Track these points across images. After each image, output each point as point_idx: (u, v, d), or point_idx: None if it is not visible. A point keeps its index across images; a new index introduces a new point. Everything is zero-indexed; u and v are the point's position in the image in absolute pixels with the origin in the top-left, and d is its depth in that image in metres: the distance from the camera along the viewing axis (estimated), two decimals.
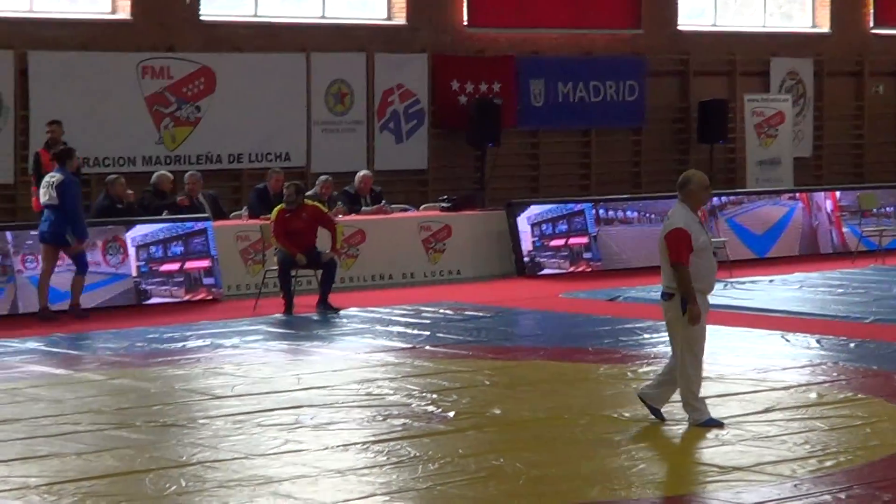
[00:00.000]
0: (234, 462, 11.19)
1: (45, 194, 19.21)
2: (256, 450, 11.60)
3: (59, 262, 19.22)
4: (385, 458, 11.34)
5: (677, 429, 12.26)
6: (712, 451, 11.61)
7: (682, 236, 11.96)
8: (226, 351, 16.50)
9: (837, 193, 27.11)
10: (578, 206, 24.18)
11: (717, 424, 12.16)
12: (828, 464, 11.02)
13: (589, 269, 23.68)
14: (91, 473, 10.85)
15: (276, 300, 19.46)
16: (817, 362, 15.36)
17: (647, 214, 24.67)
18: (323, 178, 22.26)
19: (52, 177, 19.12)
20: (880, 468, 10.90)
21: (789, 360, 15.45)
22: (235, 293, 20.76)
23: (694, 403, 12.23)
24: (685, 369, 12.26)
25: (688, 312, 11.94)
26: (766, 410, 12.71)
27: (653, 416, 12.43)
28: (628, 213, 24.54)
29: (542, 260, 23.52)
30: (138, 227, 20.56)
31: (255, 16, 25.01)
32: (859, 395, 13.61)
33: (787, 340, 16.59)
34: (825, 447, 11.56)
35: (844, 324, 18.12)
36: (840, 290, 21.23)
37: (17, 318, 19.13)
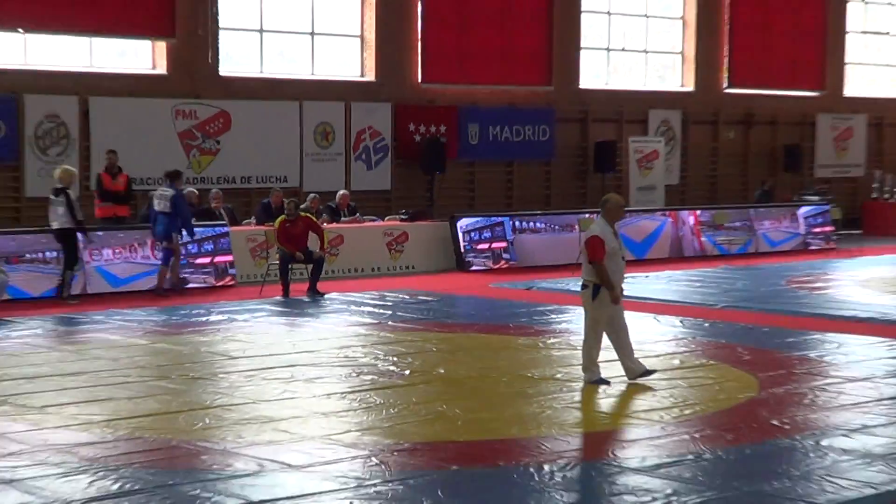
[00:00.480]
0: (246, 406, 11.26)
1: (159, 204, 19.39)
2: (262, 397, 11.66)
3: (118, 251, 19.38)
4: (358, 404, 11.44)
5: (576, 385, 12.33)
6: (602, 401, 11.75)
7: (596, 242, 12.04)
8: (239, 323, 16.48)
9: (698, 212, 27.28)
10: (500, 219, 24.18)
11: (605, 382, 12.23)
12: (687, 412, 11.14)
13: (507, 266, 23.73)
14: (139, 413, 10.95)
15: (277, 287, 19.42)
16: (680, 337, 15.46)
17: (553, 226, 24.69)
18: (312, 195, 22.31)
19: (165, 191, 19.34)
20: (726, 415, 11.02)
21: (659, 335, 15.47)
22: (246, 281, 20.78)
23: (591, 367, 12.32)
24: (589, 341, 12.33)
25: (610, 296, 12.06)
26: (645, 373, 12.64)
27: (646, 376, 12.34)
28: (538, 224, 24.57)
29: (472, 259, 23.53)
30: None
31: (261, 72, 24.92)
32: (711, 362, 13.71)
33: (658, 321, 16.63)
34: (685, 400, 11.68)
35: (700, 308, 18.19)
36: (698, 284, 21.31)
37: (86, 296, 19.09)
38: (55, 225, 18.55)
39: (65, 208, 18.38)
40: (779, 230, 28.32)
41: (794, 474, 9.04)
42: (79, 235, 18.66)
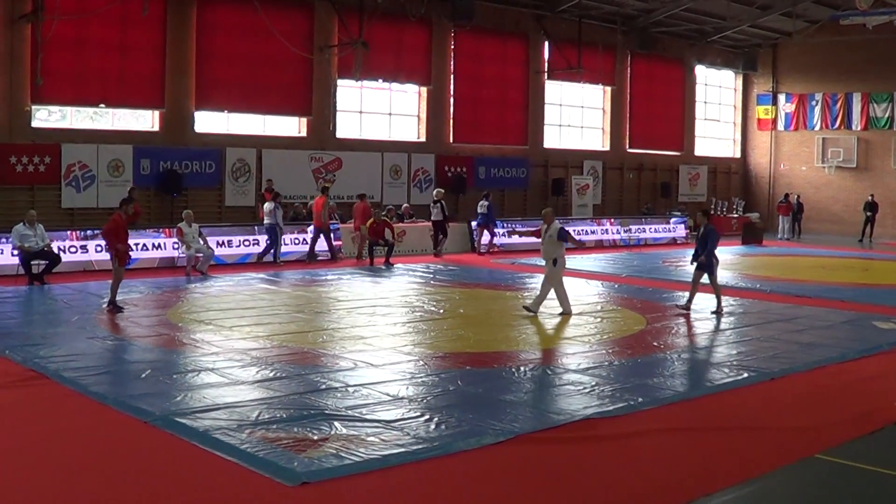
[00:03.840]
0: (347, 328, 11.18)
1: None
2: (356, 323, 11.58)
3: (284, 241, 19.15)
4: (412, 328, 11.35)
5: (544, 317, 12.20)
6: (554, 330, 11.58)
7: (562, 231, 12.37)
8: (343, 281, 16.43)
9: (612, 219, 26.97)
10: (497, 222, 23.88)
11: (533, 314, 12.21)
12: (604, 337, 11.02)
13: (500, 251, 23.30)
14: (286, 332, 10.86)
15: (366, 262, 19.37)
16: (600, 293, 15.30)
17: (527, 227, 24.44)
18: (388, 206, 22.15)
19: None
20: (627, 339, 10.87)
21: (588, 292, 15.34)
22: (348, 256, 20.64)
23: (538, 304, 12.37)
24: (544, 293, 12.33)
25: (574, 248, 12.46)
26: (579, 314, 12.61)
27: (529, 313, 12.39)
28: (517, 226, 24.13)
29: (477, 246, 23.22)
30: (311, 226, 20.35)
31: (360, 135, 24.66)
32: (618, 308, 13.55)
33: (588, 283, 16.51)
34: (603, 330, 11.54)
35: (613, 276, 17.98)
36: (612, 262, 21.07)
37: (267, 264, 18.60)
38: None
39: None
40: (658, 231, 27.93)
41: (666, 374, 8.99)
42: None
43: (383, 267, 18.89)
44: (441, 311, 12.88)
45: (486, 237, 22.99)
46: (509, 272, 18.55)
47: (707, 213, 13.12)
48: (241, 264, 18.58)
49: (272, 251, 18.91)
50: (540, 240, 12.73)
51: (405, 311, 12.85)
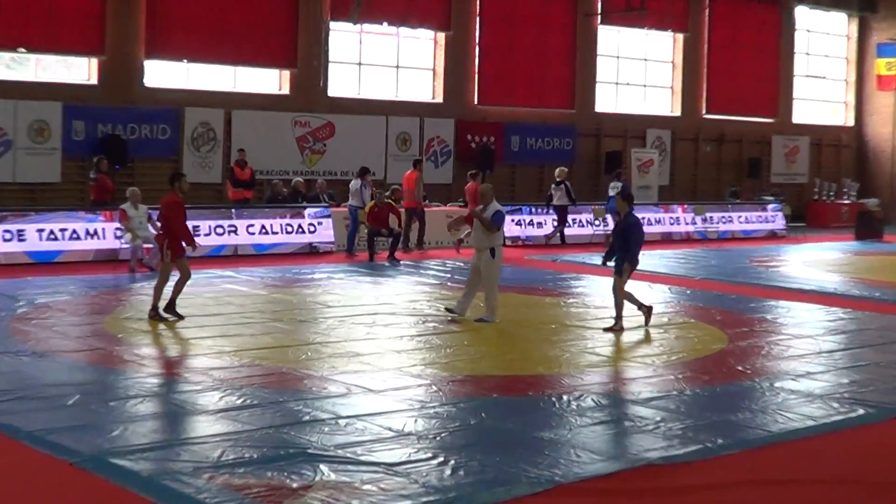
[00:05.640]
0: (338, 343, 11.16)
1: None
2: (350, 336, 11.57)
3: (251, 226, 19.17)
4: (423, 344, 11.30)
5: (584, 332, 12.12)
6: (608, 348, 11.51)
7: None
8: (335, 280, 16.43)
9: (685, 206, 26.83)
10: (535, 208, 23.86)
11: (492, 321, 12.44)
12: (672, 358, 10.94)
13: (558, 244, 23.24)
14: (259, 346, 10.86)
15: (365, 254, 19.39)
16: (668, 300, 15.24)
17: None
18: (395, 186, 22.11)
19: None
20: (702, 362, 10.79)
21: (651, 300, 15.15)
22: (342, 249, 20.65)
23: (495, 311, 12.58)
24: (493, 292, 12.61)
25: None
26: (638, 327, 12.54)
27: (451, 315, 12.66)
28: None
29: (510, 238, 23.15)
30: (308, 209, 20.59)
31: (358, 94, 24.79)
32: (691, 320, 13.47)
33: (651, 288, 16.40)
34: (671, 348, 11.48)
35: (684, 279, 17.93)
36: (683, 261, 21.01)
37: (235, 257, 18.92)
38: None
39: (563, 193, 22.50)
40: (748, 222, 27.72)
41: (754, 408, 8.91)
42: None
43: (387, 263, 18.86)
44: (460, 321, 12.79)
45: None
46: (549, 272, 18.46)
47: (628, 198, 12.48)
48: (210, 258, 18.49)
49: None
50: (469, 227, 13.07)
51: (414, 320, 12.77)
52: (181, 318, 12.14)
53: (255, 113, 22.81)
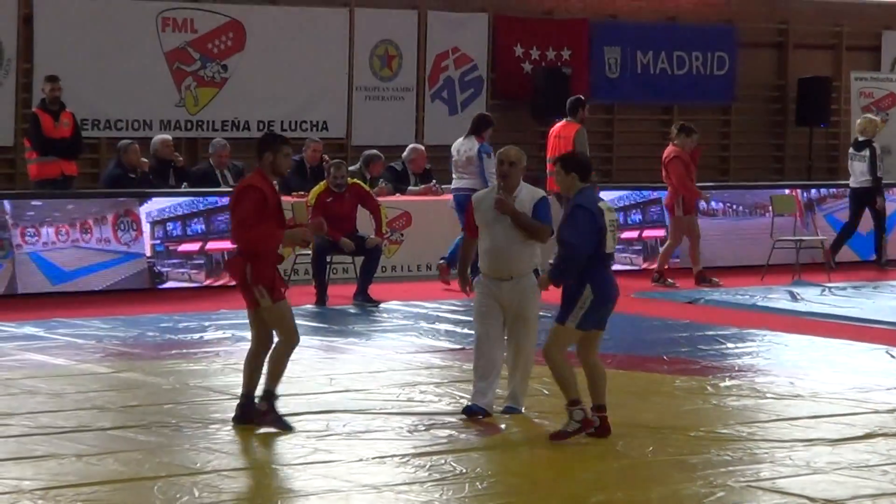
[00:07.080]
0: (255, 472, 11.29)
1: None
2: (281, 459, 11.69)
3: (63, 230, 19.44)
4: (426, 473, 11.30)
5: (762, 454, 12.17)
6: (802, 479, 11.48)
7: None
8: (246, 343, 16.46)
9: None
10: (655, 194, 24.04)
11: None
12: None
13: (665, 267, 23.26)
14: (92, 478, 10.86)
15: (308, 289, 19.55)
16: None
17: (735, 206, 24.53)
18: (372, 153, 22.16)
19: None
20: None
21: (894, 378, 15.26)
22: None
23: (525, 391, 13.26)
24: (531, 354, 13.23)
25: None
26: (867, 436, 12.56)
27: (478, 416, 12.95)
28: (713, 204, 24.27)
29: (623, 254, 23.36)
30: (154, 200, 20.66)
31: None
32: None
33: (893, 357, 16.41)
34: None
35: None
36: None
37: (15, 298, 19.25)
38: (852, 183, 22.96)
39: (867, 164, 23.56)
40: None
41: None
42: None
43: (352, 306, 19.17)
44: (502, 424, 12.96)
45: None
46: (681, 324, 18.63)
47: (584, 170, 12.51)
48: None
49: None
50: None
51: (408, 424, 12.89)
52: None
53: (81, 2, 23.07)
